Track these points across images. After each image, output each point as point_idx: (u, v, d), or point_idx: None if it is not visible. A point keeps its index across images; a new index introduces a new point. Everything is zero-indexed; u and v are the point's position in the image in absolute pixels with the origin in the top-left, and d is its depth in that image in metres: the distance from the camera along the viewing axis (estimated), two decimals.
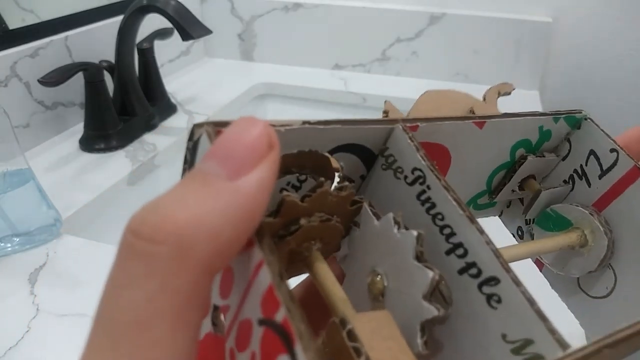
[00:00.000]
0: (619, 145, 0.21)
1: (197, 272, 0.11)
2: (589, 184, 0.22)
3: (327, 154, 0.17)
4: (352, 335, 0.13)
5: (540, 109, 0.86)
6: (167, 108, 0.82)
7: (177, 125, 0.79)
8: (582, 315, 0.24)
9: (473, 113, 0.27)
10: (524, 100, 0.89)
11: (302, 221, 0.16)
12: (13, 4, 0.69)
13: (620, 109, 0.92)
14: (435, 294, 0.15)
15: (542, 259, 0.24)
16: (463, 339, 0.15)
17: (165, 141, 0.74)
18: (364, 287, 0.16)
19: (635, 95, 0.90)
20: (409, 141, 0.17)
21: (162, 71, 0.83)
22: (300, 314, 0.11)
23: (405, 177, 0.17)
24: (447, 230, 0.15)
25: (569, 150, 0.23)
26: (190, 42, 0.99)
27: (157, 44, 0.80)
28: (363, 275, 0.17)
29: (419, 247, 0.14)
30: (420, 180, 0.16)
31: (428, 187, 0.16)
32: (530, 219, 0.24)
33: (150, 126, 0.77)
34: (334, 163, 0.17)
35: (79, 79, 0.68)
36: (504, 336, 0.13)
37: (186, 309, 0.11)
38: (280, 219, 0.15)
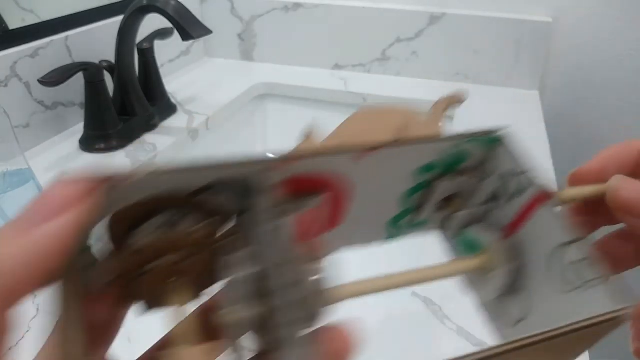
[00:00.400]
0: (526, 169, 0.21)
1: None
2: (504, 206, 0.22)
3: (193, 199, 0.17)
4: None
5: (540, 109, 0.86)
6: (167, 108, 0.82)
7: (177, 126, 0.79)
8: (508, 338, 0.24)
9: (402, 134, 0.26)
10: (524, 100, 0.89)
11: (153, 264, 0.17)
12: (13, 4, 0.69)
13: (620, 109, 0.92)
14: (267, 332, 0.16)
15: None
16: None
17: (165, 141, 0.74)
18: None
19: (635, 95, 0.90)
20: (267, 182, 0.17)
21: (162, 71, 0.83)
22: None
23: (265, 215, 0.17)
24: (277, 270, 0.16)
25: (486, 172, 0.23)
26: (190, 42, 0.99)
27: (157, 44, 0.80)
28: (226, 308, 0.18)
29: (251, 285, 0.16)
30: (275, 220, 0.17)
31: (278, 226, 0.17)
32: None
33: (150, 126, 0.77)
34: (203, 204, 0.18)
35: (79, 79, 0.68)
36: None
37: None
38: (137, 256, 0.17)
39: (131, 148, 0.72)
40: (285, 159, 0.18)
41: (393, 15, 0.94)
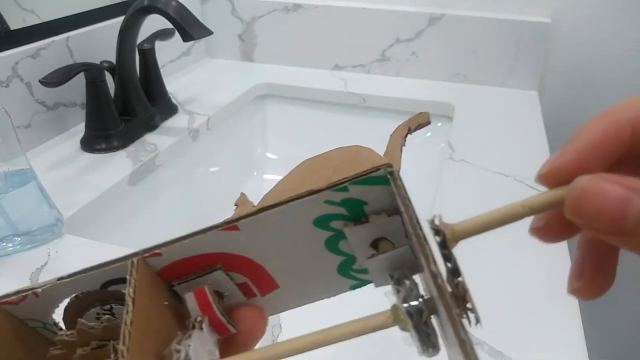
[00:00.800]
0: (406, 205, 0.18)
1: None
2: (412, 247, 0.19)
3: (105, 291, 0.20)
4: None
5: (539, 110, 0.86)
6: (168, 108, 0.82)
7: (178, 126, 0.80)
8: None
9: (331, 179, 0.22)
10: (523, 100, 0.89)
11: (76, 354, 0.19)
12: (14, 4, 0.69)
13: None
14: None
15: None
16: None
17: (166, 141, 0.75)
18: None
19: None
20: (127, 275, 0.18)
21: (163, 71, 0.83)
22: None
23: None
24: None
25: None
26: (191, 42, 0.99)
27: (158, 45, 0.80)
28: None
29: None
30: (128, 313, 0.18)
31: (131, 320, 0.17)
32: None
33: (151, 126, 0.77)
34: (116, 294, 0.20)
35: (80, 80, 0.69)
36: None
37: None
38: (62, 349, 0.19)
39: (132, 148, 0.72)
40: (156, 247, 0.19)
41: (393, 16, 0.94)
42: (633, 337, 1.01)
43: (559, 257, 0.51)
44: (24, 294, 0.19)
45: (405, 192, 0.18)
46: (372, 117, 0.93)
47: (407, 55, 0.97)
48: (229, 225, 0.19)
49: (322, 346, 0.18)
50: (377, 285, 0.21)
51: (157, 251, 0.19)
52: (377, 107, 0.92)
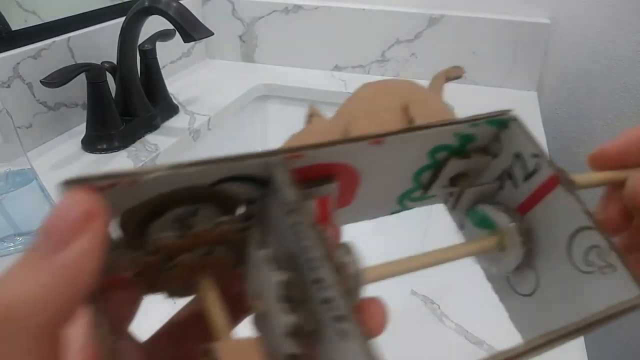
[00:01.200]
0: (541, 150, 0.21)
1: (28, 339, 0.12)
2: (516, 186, 0.22)
3: (213, 189, 0.17)
4: None
5: (537, 110, 0.86)
6: (169, 109, 0.83)
7: (178, 126, 0.80)
8: (511, 310, 0.24)
9: (407, 110, 0.26)
10: (522, 101, 0.90)
11: (179, 258, 0.16)
12: (15, 5, 0.69)
13: (618, 110, 0.92)
14: (299, 329, 0.15)
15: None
16: (325, 356, 0.15)
17: (167, 141, 0.75)
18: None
19: (633, 97, 0.91)
20: (282, 176, 0.17)
21: (164, 72, 0.83)
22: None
23: (284, 208, 0.17)
24: (311, 264, 0.16)
25: (500, 149, 0.23)
26: (192, 43, 1.00)
27: (159, 46, 0.81)
28: (253, 298, 0.18)
29: (282, 291, 0.15)
30: (293, 213, 0.16)
31: (299, 222, 0.16)
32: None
33: (152, 127, 0.77)
34: (223, 193, 0.17)
35: (81, 80, 0.69)
36: None
37: None
38: (158, 256, 0.16)
39: (133, 148, 0.72)
40: (295, 151, 0.18)
41: (392, 17, 0.95)
42: (633, 340, 1.01)
43: None
44: (118, 180, 0.15)
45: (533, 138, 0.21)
46: None
47: (406, 56, 0.97)
48: (376, 139, 0.19)
49: (432, 266, 0.21)
50: (459, 212, 0.24)
51: (299, 153, 0.18)
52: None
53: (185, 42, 0.67)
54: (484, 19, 0.90)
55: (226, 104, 0.88)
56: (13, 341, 0.12)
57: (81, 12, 0.78)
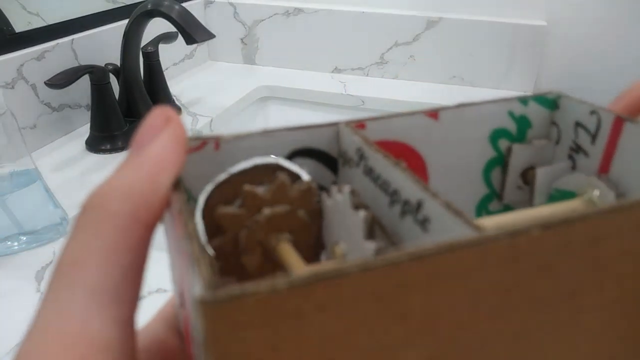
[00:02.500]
0: (595, 106, 0.20)
1: (121, 220, 0.13)
2: (587, 154, 0.21)
3: (286, 164, 0.17)
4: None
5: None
6: None
7: None
8: None
9: None
10: None
11: (266, 210, 0.17)
12: (20, 7, 0.69)
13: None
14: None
15: None
16: None
17: None
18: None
19: None
20: (348, 129, 0.17)
21: (167, 74, 0.84)
22: (199, 239, 0.12)
23: (355, 162, 0.17)
24: (385, 186, 0.16)
25: (559, 132, 0.22)
26: (194, 45, 1.00)
27: (162, 48, 0.81)
28: (332, 246, 0.17)
29: (367, 226, 0.15)
30: (362, 156, 0.17)
31: (367, 158, 0.17)
32: None
33: None
34: (295, 169, 0.17)
35: (85, 82, 0.69)
36: None
37: (113, 251, 0.13)
38: (245, 210, 0.17)
39: None
40: (365, 119, 0.18)
41: (391, 20, 0.95)
42: None
43: None
44: (205, 140, 0.16)
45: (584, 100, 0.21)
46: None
47: (405, 59, 0.98)
48: (433, 111, 0.19)
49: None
50: (539, 202, 0.23)
51: (363, 122, 0.18)
52: (376, 109, 0.93)
53: (187, 44, 0.67)
54: (481, 21, 0.90)
55: (228, 106, 0.88)
56: (103, 228, 0.13)
57: (84, 14, 0.78)
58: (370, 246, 0.15)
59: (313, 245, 0.18)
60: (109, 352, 0.12)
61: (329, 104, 0.96)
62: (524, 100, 0.21)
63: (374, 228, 0.15)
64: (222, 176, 0.17)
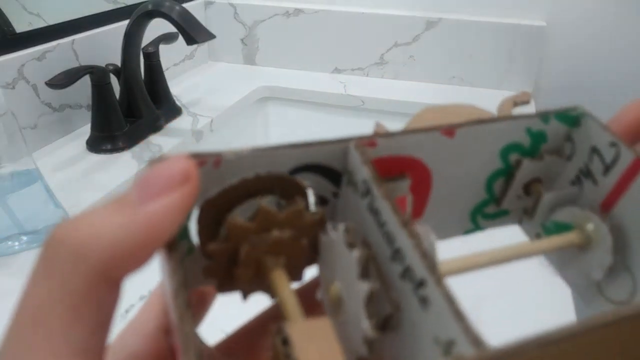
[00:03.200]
0: (618, 138, 0.19)
1: (92, 275, 0.12)
2: (595, 182, 0.20)
3: (293, 177, 0.17)
4: (285, 341, 0.14)
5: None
6: (172, 110, 0.83)
7: (182, 127, 0.80)
8: None
9: None
10: None
11: (275, 232, 0.16)
12: (20, 8, 0.69)
13: (613, 112, 0.93)
14: (380, 301, 0.15)
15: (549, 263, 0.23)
16: (403, 342, 0.15)
17: (170, 142, 0.75)
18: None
19: (630, 99, 0.91)
20: (358, 155, 0.17)
21: (167, 74, 0.84)
22: (191, 321, 0.12)
23: (360, 190, 0.17)
24: (389, 238, 0.15)
25: (573, 149, 0.21)
26: (195, 46, 1.00)
27: (162, 48, 0.81)
28: (327, 285, 0.17)
29: (361, 265, 0.15)
30: (368, 191, 0.16)
31: (373, 197, 0.16)
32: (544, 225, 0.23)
33: (155, 128, 0.78)
34: (301, 184, 0.17)
35: (85, 82, 0.69)
36: (435, 338, 0.13)
37: (82, 308, 0.12)
38: (255, 225, 0.16)
39: (137, 149, 0.73)
40: (369, 138, 0.17)
41: (391, 21, 0.95)
42: None
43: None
44: (205, 159, 0.15)
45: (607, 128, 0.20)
46: (371, 118, 0.94)
47: (404, 59, 0.98)
48: (449, 129, 0.19)
49: (517, 259, 0.20)
50: (538, 221, 0.23)
51: (374, 140, 0.17)
52: (376, 109, 0.93)
53: (188, 44, 0.67)
54: (480, 22, 0.91)
55: (228, 106, 0.88)
56: (75, 279, 0.12)
57: (85, 14, 0.78)
58: (364, 287, 0.14)
59: (302, 268, 0.18)
60: None
61: (329, 104, 0.96)
62: (545, 118, 0.21)
63: (368, 268, 0.15)
64: (230, 178, 0.16)
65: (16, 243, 0.52)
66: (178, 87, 0.94)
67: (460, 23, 0.92)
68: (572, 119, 0.21)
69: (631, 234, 0.20)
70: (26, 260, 0.52)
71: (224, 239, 0.16)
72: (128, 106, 0.75)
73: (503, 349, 0.11)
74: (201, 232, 0.17)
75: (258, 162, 0.16)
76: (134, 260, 0.13)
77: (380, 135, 0.18)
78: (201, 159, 0.15)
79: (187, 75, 1.01)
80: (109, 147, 0.71)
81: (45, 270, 0.12)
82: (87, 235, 0.12)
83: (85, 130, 0.74)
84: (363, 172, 0.16)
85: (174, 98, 0.85)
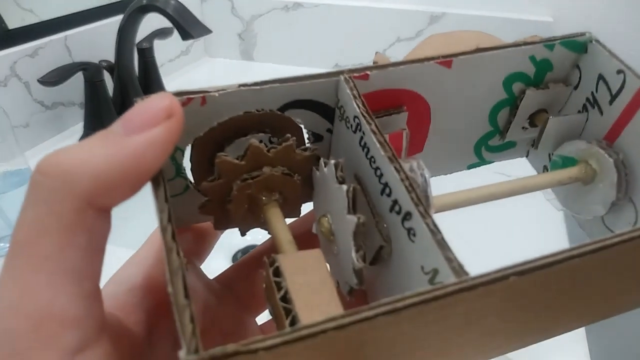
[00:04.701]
0: (625, 65, 0.19)
1: (78, 202, 0.13)
2: (601, 112, 0.20)
3: (283, 114, 0.17)
4: (276, 272, 0.14)
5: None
6: None
7: None
8: None
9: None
10: None
11: (265, 169, 0.17)
12: (13, 3, 0.69)
13: None
14: (370, 234, 0.16)
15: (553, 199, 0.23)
16: (393, 272, 0.16)
17: None
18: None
19: None
20: (348, 90, 0.17)
21: (162, 71, 0.83)
22: (178, 252, 0.12)
23: (351, 125, 0.17)
24: (378, 172, 0.15)
25: (580, 78, 0.21)
26: (190, 41, 1.00)
27: (157, 44, 0.81)
28: (320, 219, 0.17)
29: (349, 199, 0.15)
30: (359, 127, 0.16)
31: (363, 133, 0.16)
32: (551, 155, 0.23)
33: None
34: (292, 120, 0.17)
35: (78, 79, 0.69)
36: (422, 268, 0.14)
37: (72, 232, 0.13)
38: (245, 163, 0.16)
39: None
40: (360, 71, 0.17)
41: (393, 15, 0.95)
42: (636, 344, 1.01)
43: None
44: (191, 96, 0.16)
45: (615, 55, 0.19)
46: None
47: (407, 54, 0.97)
48: (446, 59, 0.18)
49: (516, 194, 0.20)
50: (543, 149, 0.23)
51: (366, 72, 0.17)
52: None
53: (183, 40, 0.67)
54: (485, 16, 0.90)
55: None
56: (62, 205, 0.12)
57: (78, 10, 0.78)
58: (352, 220, 0.15)
59: (298, 204, 0.19)
60: (77, 328, 0.13)
61: None
62: (550, 45, 0.20)
63: (356, 201, 0.15)
64: (218, 117, 0.16)
65: (7, 245, 0.52)
66: (173, 83, 0.93)
67: (464, 18, 0.91)
68: (579, 45, 0.20)
69: (635, 165, 0.20)
70: None
71: (216, 176, 0.17)
72: (122, 103, 0.75)
73: (483, 276, 0.12)
74: (194, 170, 0.17)
75: (246, 99, 0.16)
76: (120, 190, 0.13)
77: (372, 67, 0.17)
78: (187, 97, 0.16)
79: (182, 71, 1.01)
80: None
81: (34, 198, 0.13)
82: (73, 165, 0.13)
83: (78, 129, 0.74)
84: (353, 107, 0.16)
85: None
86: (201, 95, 0.16)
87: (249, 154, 0.16)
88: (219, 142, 0.17)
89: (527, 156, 0.24)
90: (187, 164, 0.17)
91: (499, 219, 0.50)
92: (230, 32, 1.05)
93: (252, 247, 0.62)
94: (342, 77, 0.17)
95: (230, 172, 0.16)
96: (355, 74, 0.17)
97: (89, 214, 0.13)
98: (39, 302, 0.12)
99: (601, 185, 0.20)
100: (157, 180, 0.14)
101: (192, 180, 0.18)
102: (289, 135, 0.17)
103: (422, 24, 0.94)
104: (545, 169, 0.23)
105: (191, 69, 1.02)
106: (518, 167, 0.24)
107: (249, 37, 1.05)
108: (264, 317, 0.22)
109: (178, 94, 0.15)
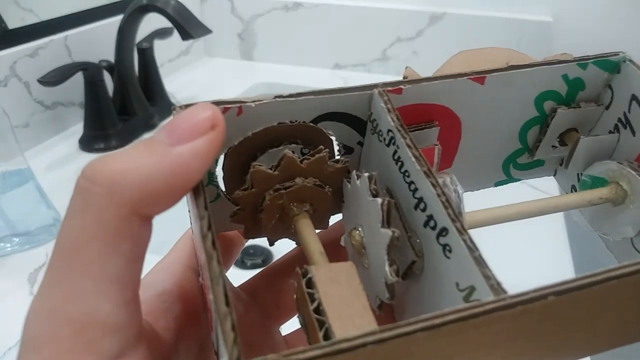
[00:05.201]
0: None
1: (124, 210, 0.13)
2: (633, 133, 0.20)
3: (316, 126, 0.17)
4: (309, 283, 0.14)
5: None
6: (167, 108, 0.82)
7: None
8: None
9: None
10: None
11: (298, 180, 0.17)
12: (13, 3, 0.69)
13: None
14: (402, 248, 0.16)
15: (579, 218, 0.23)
16: (425, 287, 0.16)
17: None
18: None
19: None
20: (382, 104, 0.17)
21: (162, 71, 0.83)
22: (218, 260, 0.13)
23: (384, 139, 0.17)
24: (412, 187, 0.16)
25: (612, 98, 0.21)
26: (190, 41, 0.99)
27: (157, 44, 0.81)
28: (351, 232, 0.18)
29: (384, 212, 0.15)
30: (393, 141, 0.16)
31: (397, 147, 0.16)
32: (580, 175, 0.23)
33: (149, 126, 0.77)
34: (324, 132, 0.18)
35: (78, 79, 0.69)
36: (457, 284, 0.14)
37: (117, 240, 0.13)
38: (279, 173, 0.17)
39: None
40: (394, 85, 0.17)
41: (393, 15, 0.94)
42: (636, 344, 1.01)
43: (560, 256, 0.51)
44: (228, 105, 0.16)
45: None
46: None
47: (408, 55, 0.97)
48: (479, 75, 0.18)
49: (547, 213, 0.20)
50: (573, 169, 0.23)
51: (400, 87, 0.18)
52: None
53: (183, 40, 0.67)
54: (486, 16, 0.90)
55: None
56: (107, 215, 0.13)
57: (78, 10, 0.77)
58: (387, 234, 0.15)
59: (327, 215, 0.19)
60: (118, 334, 0.13)
61: None
62: (583, 64, 0.20)
63: (390, 215, 0.15)
64: (252, 127, 0.16)
65: (8, 245, 0.52)
66: (173, 83, 0.93)
67: (465, 18, 0.91)
68: (612, 64, 0.20)
69: None
70: (18, 262, 0.51)
71: (249, 186, 0.17)
72: (122, 104, 0.75)
73: (522, 295, 0.12)
74: (227, 179, 0.17)
75: (280, 110, 0.17)
76: (163, 199, 0.13)
77: (406, 81, 0.18)
78: (224, 107, 0.16)
79: (182, 71, 1.01)
80: (102, 146, 0.71)
81: (79, 205, 0.13)
82: (119, 173, 0.13)
83: (78, 129, 0.74)
84: (387, 121, 0.16)
85: (169, 95, 0.84)
86: (238, 105, 0.16)
87: (282, 165, 0.16)
88: (251, 152, 0.17)
89: (554, 175, 0.24)
90: (218, 172, 0.17)
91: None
92: (230, 32, 1.05)
93: (252, 247, 0.62)
94: (376, 91, 0.17)
95: (263, 182, 0.17)
96: (389, 88, 0.17)
97: (134, 222, 0.13)
98: (82, 307, 0.13)
99: (632, 206, 0.20)
100: (197, 188, 0.14)
101: (224, 189, 0.18)
102: (322, 147, 0.17)
103: (422, 24, 0.93)
104: (574, 188, 0.23)
105: (191, 69, 1.02)
106: (540, 180, 0.25)
107: (249, 37, 1.05)
108: (286, 328, 0.23)
109: (216, 103, 0.15)
